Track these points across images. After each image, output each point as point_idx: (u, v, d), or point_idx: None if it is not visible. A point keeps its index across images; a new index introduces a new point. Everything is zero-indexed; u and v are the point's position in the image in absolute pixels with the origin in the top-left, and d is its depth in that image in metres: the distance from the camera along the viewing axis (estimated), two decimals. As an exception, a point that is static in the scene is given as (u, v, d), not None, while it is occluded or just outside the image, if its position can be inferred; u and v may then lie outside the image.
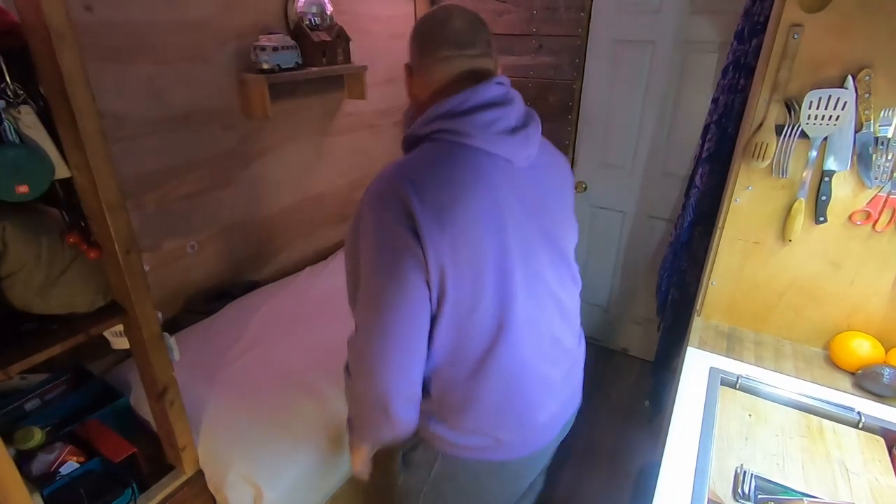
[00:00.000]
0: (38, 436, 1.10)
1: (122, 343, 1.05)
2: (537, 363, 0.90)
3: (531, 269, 0.86)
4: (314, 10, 1.77)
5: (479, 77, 0.87)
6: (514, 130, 0.85)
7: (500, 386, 0.87)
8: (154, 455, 1.20)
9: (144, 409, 1.22)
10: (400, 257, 0.77)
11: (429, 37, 0.91)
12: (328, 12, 1.81)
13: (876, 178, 1.10)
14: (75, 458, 1.09)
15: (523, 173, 0.86)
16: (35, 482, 1.02)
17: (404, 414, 0.86)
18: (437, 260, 0.77)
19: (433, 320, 0.82)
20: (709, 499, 0.91)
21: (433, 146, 0.85)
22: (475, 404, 0.88)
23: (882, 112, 1.05)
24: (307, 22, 1.76)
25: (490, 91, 0.84)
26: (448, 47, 0.88)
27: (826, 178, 1.14)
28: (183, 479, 1.17)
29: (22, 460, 1.06)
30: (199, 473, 1.20)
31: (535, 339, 0.89)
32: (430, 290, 0.79)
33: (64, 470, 1.06)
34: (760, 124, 1.17)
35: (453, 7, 0.91)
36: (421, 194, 0.77)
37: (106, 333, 1.02)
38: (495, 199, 0.81)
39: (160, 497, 1.13)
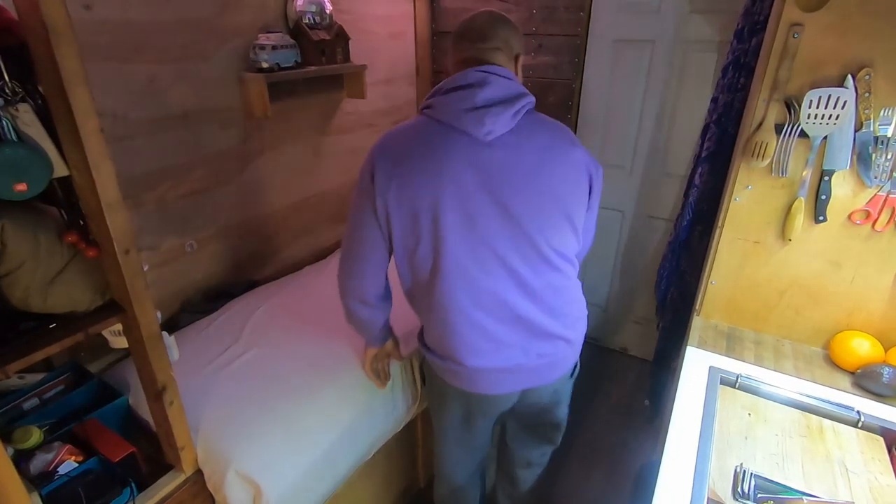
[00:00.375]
0: (36, 435, 1.10)
1: (120, 342, 1.04)
2: (471, 311, 1.06)
3: (474, 230, 1.00)
4: (313, 8, 1.77)
5: (476, 65, 1.02)
6: (476, 109, 0.96)
7: (438, 317, 1.09)
8: (153, 454, 1.20)
9: (143, 409, 1.22)
10: (361, 199, 1.06)
11: (455, 32, 1.10)
12: (327, 11, 1.81)
13: (875, 178, 1.10)
14: (74, 458, 1.09)
15: (489, 149, 0.98)
16: (33, 481, 1.02)
17: (354, 309, 1.22)
18: (383, 203, 1.02)
19: (393, 251, 1.10)
20: (708, 498, 0.91)
21: (416, 119, 1.06)
22: (428, 328, 1.16)
23: (882, 111, 1.05)
24: (306, 21, 1.76)
25: (469, 76, 0.99)
26: (463, 41, 1.07)
27: (826, 178, 1.14)
28: (182, 478, 1.16)
29: (20, 459, 1.05)
30: (198, 473, 1.19)
31: (471, 291, 1.04)
32: (380, 226, 1.05)
33: (62, 469, 1.06)
34: (760, 123, 1.17)
35: (487, 10, 1.11)
36: (383, 155, 1.02)
37: (105, 332, 1.02)
38: (439, 162, 0.97)
39: (159, 496, 1.12)
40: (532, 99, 1.03)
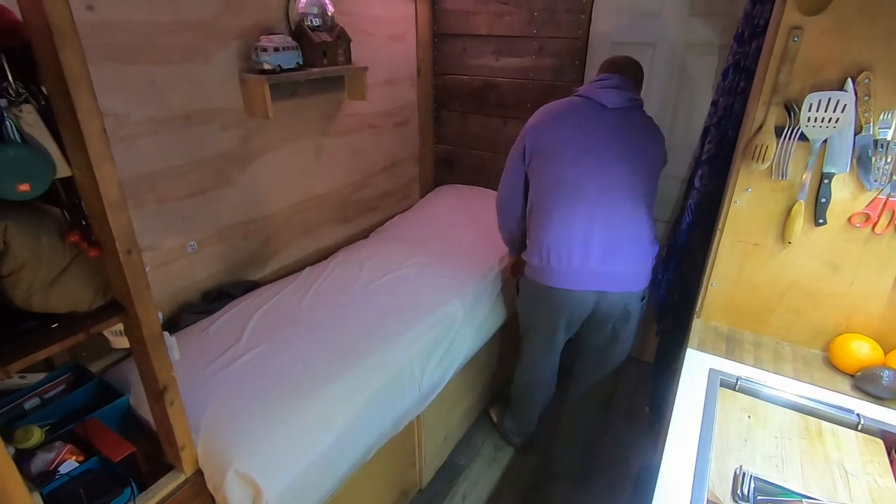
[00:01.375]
0: (37, 434, 1.10)
1: (121, 342, 1.05)
2: (574, 229, 1.51)
3: (593, 168, 1.52)
4: (315, 10, 1.77)
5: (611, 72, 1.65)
6: (606, 88, 1.55)
7: (549, 229, 1.54)
8: (153, 454, 1.20)
9: (144, 409, 1.22)
10: (515, 150, 1.64)
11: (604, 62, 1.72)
12: (329, 13, 1.81)
13: (875, 181, 1.10)
14: (74, 457, 1.09)
15: (613, 114, 1.54)
16: (34, 481, 1.02)
17: (504, 234, 1.84)
18: (530, 145, 1.58)
19: (527, 182, 1.63)
20: (708, 500, 0.91)
21: (568, 97, 1.64)
22: (536, 238, 1.58)
23: (881, 114, 1.05)
24: (308, 22, 1.76)
25: (604, 75, 1.62)
26: (606, 64, 1.69)
27: (826, 181, 1.14)
28: (182, 478, 1.16)
29: (21, 459, 1.06)
30: (199, 473, 1.20)
31: (574, 211, 1.51)
32: (525, 164, 1.60)
33: (63, 469, 1.06)
34: (760, 126, 1.17)
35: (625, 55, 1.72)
36: (535, 116, 1.62)
37: (106, 332, 1.02)
38: (577, 119, 1.55)
39: (159, 496, 1.12)
40: (641, 101, 1.61)
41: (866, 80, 1.04)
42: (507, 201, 1.71)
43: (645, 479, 1.79)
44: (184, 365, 1.37)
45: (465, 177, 2.73)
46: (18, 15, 0.80)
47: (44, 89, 0.82)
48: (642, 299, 1.62)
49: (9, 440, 1.07)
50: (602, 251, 1.49)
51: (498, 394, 2.28)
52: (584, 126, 1.53)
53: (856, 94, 1.05)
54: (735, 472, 0.96)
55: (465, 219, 2.35)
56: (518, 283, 1.79)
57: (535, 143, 1.56)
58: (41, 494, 1.00)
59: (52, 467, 1.06)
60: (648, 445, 2.05)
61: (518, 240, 1.78)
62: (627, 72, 1.61)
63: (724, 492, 0.94)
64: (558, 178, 1.52)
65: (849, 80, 1.05)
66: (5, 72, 0.78)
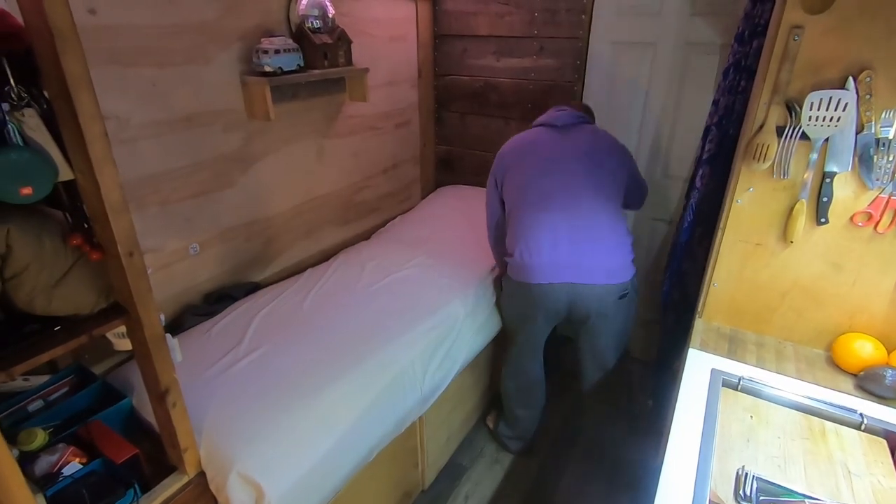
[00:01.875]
0: (40, 437, 1.11)
1: (124, 344, 1.05)
2: (543, 227, 1.62)
3: (556, 175, 1.66)
4: (316, 12, 1.77)
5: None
6: (555, 113, 1.76)
7: (519, 230, 1.66)
8: (156, 456, 1.20)
9: (147, 411, 1.23)
10: (489, 181, 1.81)
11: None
12: (330, 15, 1.82)
13: (877, 180, 1.10)
14: (78, 459, 1.10)
15: (565, 130, 1.71)
16: (38, 483, 1.03)
17: (495, 255, 1.93)
18: (499, 171, 1.76)
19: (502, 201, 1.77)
20: (710, 500, 0.90)
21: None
22: (511, 241, 1.70)
23: (883, 113, 1.05)
24: (309, 24, 1.77)
25: (555, 109, 1.80)
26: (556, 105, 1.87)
27: (827, 180, 1.14)
28: (185, 480, 1.17)
29: (25, 461, 1.06)
30: (202, 474, 1.20)
31: (542, 212, 1.63)
32: (499, 189, 1.77)
33: (66, 471, 1.07)
34: (761, 126, 1.17)
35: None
36: (502, 148, 1.80)
37: (108, 335, 1.02)
38: (535, 141, 1.74)
39: (162, 498, 1.13)
40: (589, 119, 1.80)
41: (868, 79, 1.04)
42: (492, 225, 1.86)
43: (647, 480, 1.79)
44: (186, 367, 1.37)
45: (467, 177, 2.73)
46: (20, 19, 0.80)
47: (46, 93, 0.83)
48: (622, 296, 1.63)
49: (13, 442, 1.08)
50: (570, 243, 1.59)
51: (494, 400, 2.28)
52: (539, 143, 1.72)
53: (857, 92, 1.05)
54: (737, 473, 0.96)
55: (467, 220, 2.35)
56: (501, 284, 1.87)
57: (503, 167, 1.74)
58: (45, 496, 1.00)
59: (55, 469, 1.06)
60: (650, 446, 2.04)
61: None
62: (577, 105, 1.88)
63: (726, 492, 0.93)
64: (524, 187, 1.68)
65: (850, 78, 1.05)
66: (7, 76, 0.79)
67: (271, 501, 1.15)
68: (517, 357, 1.89)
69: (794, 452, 1.02)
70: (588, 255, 1.59)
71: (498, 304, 1.94)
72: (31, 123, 0.81)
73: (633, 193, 1.77)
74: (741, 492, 0.92)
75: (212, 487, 1.20)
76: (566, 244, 1.59)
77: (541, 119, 1.78)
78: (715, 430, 1.04)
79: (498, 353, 2.20)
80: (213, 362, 1.44)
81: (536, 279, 1.63)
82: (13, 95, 0.79)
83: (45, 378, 1.29)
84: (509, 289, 1.78)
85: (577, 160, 1.65)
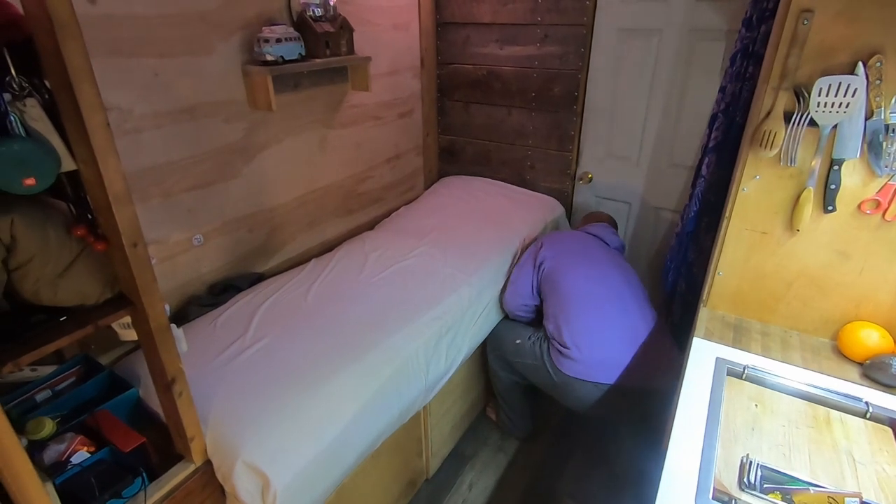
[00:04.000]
0: (49, 426, 1.12)
1: (130, 335, 1.05)
2: (595, 322, 1.68)
3: (600, 276, 1.77)
4: (317, 0, 1.76)
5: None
6: (606, 232, 1.97)
7: (578, 327, 1.68)
8: (163, 445, 1.21)
9: (154, 400, 1.24)
10: (528, 260, 1.89)
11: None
12: (331, 3, 1.80)
13: (886, 167, 1.08)
14: (86, 448, 1.11)
15: (612, 250, 1.91)
16: (47, 471, 1.04)
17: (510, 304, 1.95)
18: (546, 258, 1.83)
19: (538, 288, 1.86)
20: (714, 488, 0.91)
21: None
22: (572, 333, 1.69)
23: (893, 99, 1.03)
24: (310, 13, 1.75)
25: (602, 225, 2.02)
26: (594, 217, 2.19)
27: (835, 167, 1.13)
28: (192, 468, 1.18)
29: (34, 450, 1.07)
30: (208, 463, 1.21)
31: (596, 306, 1.71)
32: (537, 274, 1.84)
33: (75, 459, 1.08)
34: (769, 112, 1.15)
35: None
36: (547, 243, 1.89)
37: (114, 325, 1.03)
38: (583, 245, 1.89)
39: (169, 486, 1.14)
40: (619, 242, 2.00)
41: (878, 64, 1.02)
42: (517, 305, 1.90)
43: (651, 468, 1.80)
44: (192, 357, 1.38)
45: (470, 167, 2.72)
46: (20, 9, 0.79)
47: (47, 83, 0.82)
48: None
49: (21, 432, 1.09)
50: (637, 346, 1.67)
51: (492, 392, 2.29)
52: (585, 249, 1.87)
53: (867, 77, 1.03)
54: (742, 461, 0.96)
55: (470, 209, 2.35)
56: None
57: (552, 256, 1.82)
58: (54, 485, 1.01)
59: (63, 458, 1.07)
60: (654, 435, 2.05)
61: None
62: (611, 223, 2.10)
63: (731, 480, 0.94)
64: (583, 287, 1.75)
65: (860, 63, 1.03)
66: (8, 66, 0.78)
67: (277, 490, 1.16)
68: (514, 378, 1.93)
69: (799, 441, 1.02)
70: (639, 352, 1.62)
71: (526, 370, 1.86)
72: (33, 114, 0.81)
73: None
74: (745, 479, 0.92)
75: (218, 476, 1.21)
76: (630, 348, 1.63)
77: (591, 230, 1.94)
78: (719, 418, 1.04)
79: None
80: (218, 352, 1.45)
81: (581, 374, 1.62)
82: (14, 86, 0.79)
83: (52, 368, 1.30)
84: (559, 379, 1.70)
85: (624, 282, 1.77)
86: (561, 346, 1.68)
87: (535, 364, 1.77)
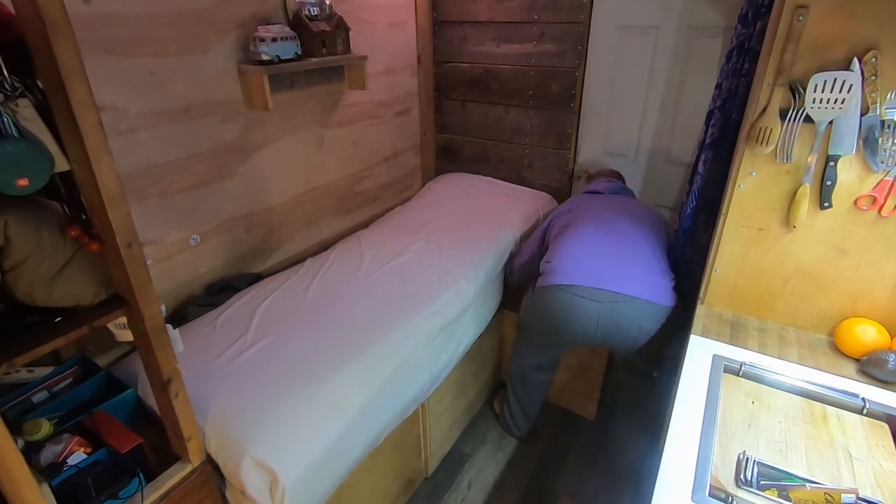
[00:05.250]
0: (45, 427, 1.11)
1: (125, 335, 1.05)
2: (580, 244, 1.69)
3: (603, 218, 1.76)
4: (313, -1, 1.75)
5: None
6: (600, 182, 2.01)
7: (561, 245, 1.70)
8: (160, 446, 1.21)
9: (151, 401, 1.23)
10: (537, 231, 1.92)
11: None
12: (327, 2, 1.79)
13: (882, 163, 1.08)
14: (83, 449, 1.11)
15: (607, 195, 1.93)
16: (43, 473, 1.04)
17: (515, 275, 2.03)
18: (553, 221, 1.85)
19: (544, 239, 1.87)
20: (711, 485, 0.91)
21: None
22: (551, 253, 1.72)
23: (889, 94, 1.03)
24: (306, 12, 1.74)
25: (599, 180, 2.04)
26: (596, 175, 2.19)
27: (831, 163, 1.13)
28: (189, 468, 1.18)
29: (30, 451, 1.07)
30: (206, 463, 1.21)
31: (589, 238, 1.69)
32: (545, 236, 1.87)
33: (71, 460, 1.07)
34: (764, 109, 1.15)
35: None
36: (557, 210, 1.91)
37: (110, 326, 1.03)
38: (581, 201, 1.89)
39: (167, 487, 1.14)
40: (628, 192, 2.00)
41: (873, 59, 1.02)
42: (524, 262, 1.96)
43: (649, 465, 1.80)
44: (194, 358, 1.38)
45: (468, 166, 2.72)
46: (12, 9, 0.79)
47: (39, 83, 0.82)
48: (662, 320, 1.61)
49: (18, 433, 1.09)
50: (612, 258, 1.65)
51: (497, 388, 2.30)
52: (585, 201, 1.88)
53: (862, 73, 1.03)
54: (738, 457, 0.96)
55: (465, 206, 2.35)
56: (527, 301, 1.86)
57: (556, 218, 1.86)
58: (50, 486, 1.01)
59: (60, 459, 1.07)
60: (651, 433, 2.05)
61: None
62: (617, 175, 2.11)
63: (727, 477, 0.94)
64: (570, 223, 1.77)
65: (855, 59, 1.03)
66: (1, 66, 0.78)
67: (286, 486, 1.16)
68: (529, 358, 1.89)
69: (796, 437, 1.02)
70: (629, 270, 1.58)
71: (521, 315, 1.87)
72: (26, 114, 0.80)
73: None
74: (742, 476, 0.92)
75: (225, 473, 1.21)
76: (609, 258, 1.61)
77: (589, 187, 2.00)
78: (716, 415, 1.04)
79: (500, 342, 2.21)
80: (220, 352, 1.45)
81: (569, 280, 1.59)
82: (6, 86, 0.78)
83: (49, 369, 1.29)
84: (540, 297, 1.70)
85: (624, 215, 1.75)
86: (542, 269, 1.70)
87: (525, 304, 1.78)
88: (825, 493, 0.85)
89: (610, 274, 1.57)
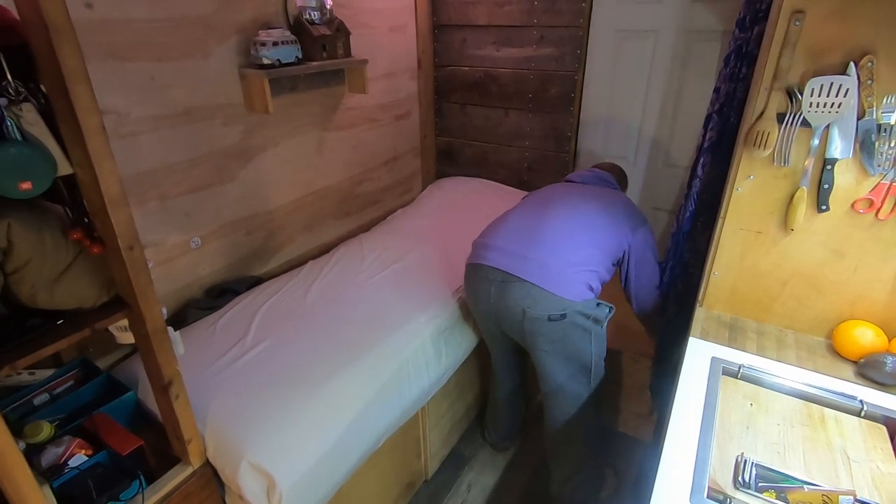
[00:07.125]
0: (46, 429, 1.12)
1: (127, 337, 1.06)
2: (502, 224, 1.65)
3: (542, 205, 1.67)
4: (313, 4, 1.76)
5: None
6: (579, 172, 1.87)
7: (487, 228, 1.67)
8: (161, 448, 1.21)
9: (151, 403, 1.24)
10: None
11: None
12: (328, 6, 1.81)
13: (879, 166, 1.09)
14: (84, 451, 1.11)
15: (579, 186, 1.78)
16: (44, 475, 1.04)
17: None
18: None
19: None
20: (709, 487, 0.91)
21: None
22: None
23: (885, 98, 1.04)
24: (307, 16, 1.76)
25: (589, 169, 1.88)
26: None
27: (828, 167, 1.13)
28: (189, 470, 1.18)
29: (31, 453, 1.07)
30: (206, 465, 1.21)
31: (514, 218, 1.65)
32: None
33: (72, 462, 1.08)
34: (762, 113, 1.16)
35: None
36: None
37: (111, 328, 1.03)
38: (548, 189, 1.80)
39: (167, 489, 1.14)
40: (612, 183, 1.80)
41: (869, 64, 1.03)
42: None
43: (647, 468, 1.80)
44: (193, 360, 1.39)
45: (468, 169, 2.73)
46: (16, 14, 0.80)
47: (43, 87, 0.83)
48: (557, 316, 1.47)
49: (19, 435, 1.09)
50: (521, 241, 1.55)
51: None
52: (546, 190, 1.78)
53: (858, 78, 1.04)
54: (736, 460, 0.97)
55: (466, 209, 2.35)
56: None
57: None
58: (51, 488, 1.01)
59: (61, 461, 1.08)
60: (650, 436, 2.05)
61: None
62: (609, 167, 1.90)
63: (725, 479, 0.94)
64: (509, 211, 1.70)
65: (851, 63, 1.04)
66: (4, 71, 0.79)
67: (283, 490, 1.16)
68: (493, 365, 1.87)
69: (794, 439, 1.02)
70: (532, 253, 1.49)
71: None
72: (29, 118, 0.81)
73: (638, 270, 1.68)
74: (740, 478, 0.92)
75: (223, 477, 1.22)
76: (516, 242, 1.54)
77: (569, 175, 1.89)
78: (714, 417, 1.05)
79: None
80: (220, 355, 1.45)
81: (478, 260, 1.56)
82: (10, 90, 0.79)
83: (50, 372, 1.30)
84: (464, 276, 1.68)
85: (564, 204, 1.63)
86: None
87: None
88: (823, 495, 0.85)
89: (510, 254, 1.51)
